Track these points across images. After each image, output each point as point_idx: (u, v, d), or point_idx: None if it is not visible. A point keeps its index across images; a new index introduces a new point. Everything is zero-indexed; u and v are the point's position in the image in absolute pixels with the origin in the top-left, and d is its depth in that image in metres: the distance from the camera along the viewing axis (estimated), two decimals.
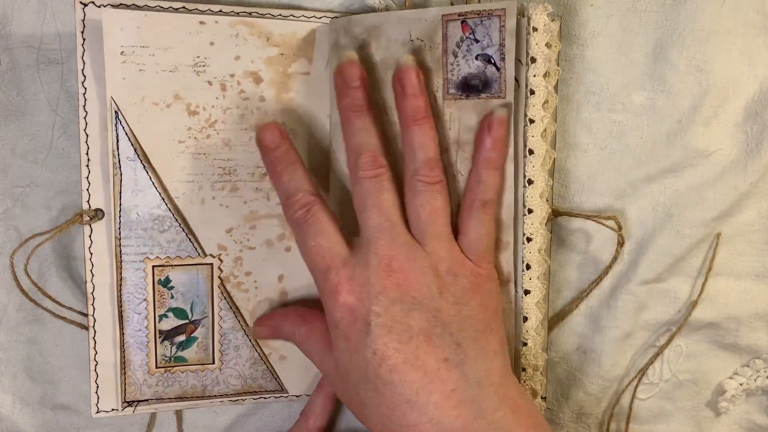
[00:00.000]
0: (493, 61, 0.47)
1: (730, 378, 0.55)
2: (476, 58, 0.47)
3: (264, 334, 0.53)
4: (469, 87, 0.47)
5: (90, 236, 0.51)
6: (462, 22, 0.47)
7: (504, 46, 0.46)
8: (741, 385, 0.55)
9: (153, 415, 0.57)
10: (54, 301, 0.53)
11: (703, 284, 0.53)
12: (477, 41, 0.47)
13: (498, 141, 0.46)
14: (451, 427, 0.43)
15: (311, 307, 0.52)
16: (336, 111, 0.50)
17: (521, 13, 0.47)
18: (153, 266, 0.51)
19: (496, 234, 0.48)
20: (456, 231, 0.47)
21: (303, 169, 0.49)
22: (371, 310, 0.44)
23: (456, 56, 0.48)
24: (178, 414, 0.57)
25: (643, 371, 0.55)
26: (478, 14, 0.46)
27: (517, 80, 0.47)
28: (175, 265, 0.52)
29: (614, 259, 0.53)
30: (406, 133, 0.47)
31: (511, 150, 0.47)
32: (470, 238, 0.47)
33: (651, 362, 0.55)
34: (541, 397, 0.51)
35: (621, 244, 0.52)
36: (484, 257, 0.47)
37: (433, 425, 0.43)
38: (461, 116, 0.48)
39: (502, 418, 0.43)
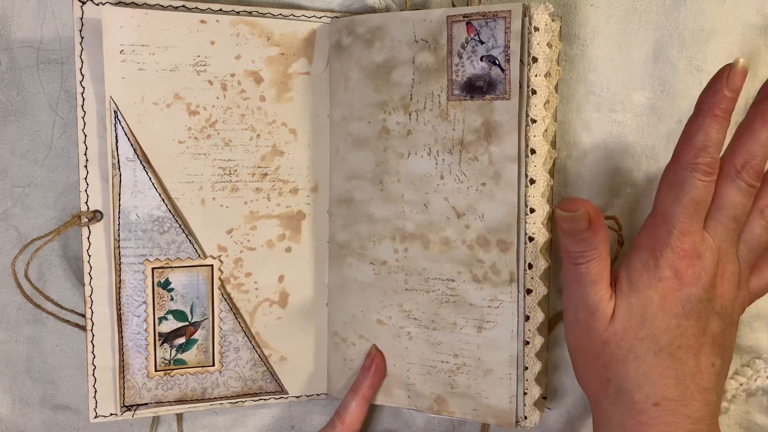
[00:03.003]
0: (497, 63, 0.47)
1: (731, 378, 0.55)
2: (481, 60, 0.47)
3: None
4: (474, 88, 0.48)
5: (88, 238, 0.51)
6: (467, 23, 0.47)
7: (509, 47, 0.46)
8: (741, 385, 0.55)
9: (155, 416, 0.56)
10: (55, 303, 0.53)
11: None
12: (482, 42, 0.47)
13: None
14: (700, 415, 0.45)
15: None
16: (337, 110, 0.50)
17: (523, 13, 0.47)
18: (152, 268, 0.51)
19: (498, 236, 0.48)
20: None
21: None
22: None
23: (461, 57, 0.48)
24: (179, 414, 0.56)
25: None
26: (483, 16, 0.47)
27: (519, 81, 0.47)
28: (174, 267, 0.51)
29: (614, 259, 0.53)
30: (753, 122, 0.46)
31: (514, 150, 0.47)
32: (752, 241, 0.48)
33: None
34: (542, 397, 0.51)
35: (621, 244, 0.52)
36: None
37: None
38: (465, 117, 0.48)
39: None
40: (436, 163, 0.49)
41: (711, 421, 0.45)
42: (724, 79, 0.43)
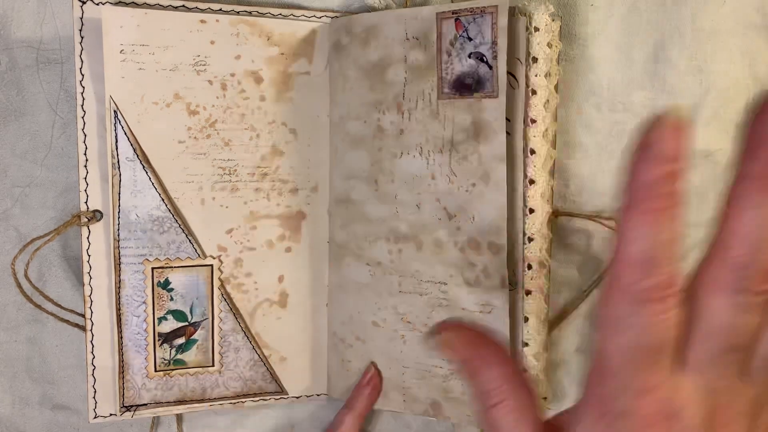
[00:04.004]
0: (485, 60, 0.46)
1: None
2: (469, 57, 0.47)
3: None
4: (463, 86, 0.47)
5: (88, 238, 0.51)
6: (456, 19, 0.47)
7: (496, 44, 0.46)
8: None
9: (155, 416, 0.56)
10: (55, 303, 0.53)
11: None
12: (470, 39, 0.47)
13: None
14: None
15: None
16: (336, 110, 0.50)
17: (522, 13, 0.47)
18: (152, 268, 0.51)
19: (489, 238, 0.48)
20: None
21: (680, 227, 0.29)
22: None
23: (450, 55, 0.48)
24: (179, 414, 0.56)
25: None
26: (470, 12, 0.46)
27: (517, 80, 0.47)
28: (174, 267, 0.51)
29: None
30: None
31: (503, 150, 0.47)
32: None
33: None
34: (541, 398, 0.51)
35: None
36: None
37: None
38: (455, 116, 0.48)
39: None
40: (428, 163, 0.49)
41: None
42: (653, 148, 0.27)
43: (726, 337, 0.29)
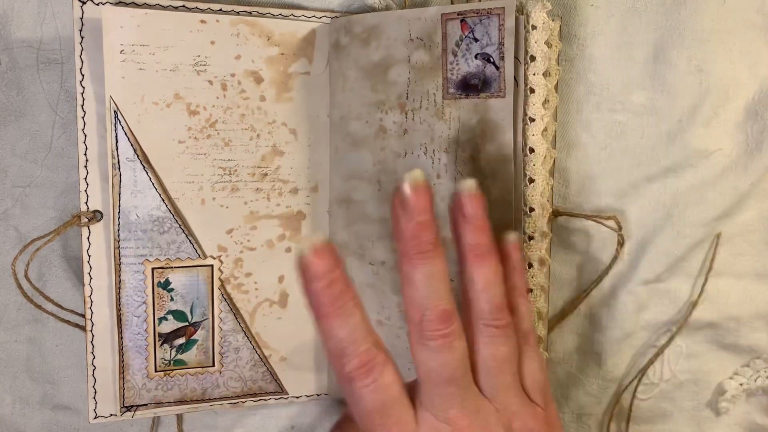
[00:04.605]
0: (492, 60, 0.47)
1: (731, 378, 0.55)
2: (475, 57, 0.47)
3: None
4: (469, 86, 0.47)
5: (88, 238, 0.50)
6: (461, 21, 0.47)
7: (503, 45, 0.46)
8: (741, 385, 0.55)
9: (155, 416, 0.56)
10: (55, 303, 0.53)
11: (704, 284, 0.53)
12: (476, 40, 0.47)
13: (519, 266, 0.45)
14: None
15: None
16: (336, 110, 0.50)
17: (520, 11, 0.47)
18: (152, 268, 0.51)
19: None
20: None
21: (362, 311, 0.40)
22: None
23: (455, 55, 0.48)
24: (179, 414, 0.56)
25: (643, 371, 0.55)
26: (477, 13, 0.46)
27: (515, 79, 0.47)
28: (174, 267, 0.51)
29: (614, 259, 0.53)
30: (468, 270, 0.42)
31: (510, 149, 0.47)
32: (529, 380, 0.43)
33: (651, 362, 0.55)
34: None
35: (621, 244, 0.52)
36: (547, 397, 0.44)
37: None
38: (461, 116, 0.48)
39: None
40: (432, 163, 0.49)
41: None
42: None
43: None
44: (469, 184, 0.42)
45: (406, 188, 0.39)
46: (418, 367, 0.40)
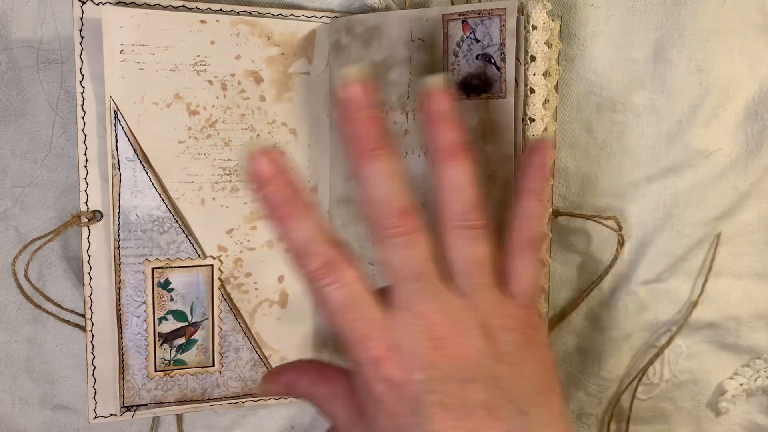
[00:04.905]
0: (493, 61, 0.47)
1: (731, 378, 0.55)
2: (477, 58, 0.47)
3: (274, 392, 0.49)
4: (470, 87, 0.47)
5: (88, 238, 0.50)
6: (463, 21, 0.47)
7: (504, 45, 0.46)
8: (741, 385, 0.55)
9: (155, 416, 0.56)
10: (55, 303, 0.53)
11: (704, 284, 0.53)
12: (478, 41, 0.47)
13: (542, 168, 0.42)
14: None
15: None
16: (336, 110, 0.50)
17: (520, 11, 0.47)
18: (152, 268, 0.51)
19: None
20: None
21: (318, 213, 0.39)
22: (422, 387, 0.37)
23: (457, 56, 0.48)
24: (179, 414, 0.56)
25: (643, 371, 0.55)
26: (478, 14, 0.46)
27: (516, 79, 0.47)
28: (174, 267, 0.51)
29: (614, 259, 0.53)
30: (438, 171, 0.40)
31: (510, 149, 0.47)
32: (518, 282, 0.41)
33: (651, 362, 0.55)
34: None
35: (621, 244, 0.52)
36: (533, 302, 0.42)
37: None
38: (462, 116, 0.48)
39: None
40: None
41: None
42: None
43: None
44: (435, 80, 0.40)
45: (341, 88, 0.37)
46: (383, 268, 0.39)
